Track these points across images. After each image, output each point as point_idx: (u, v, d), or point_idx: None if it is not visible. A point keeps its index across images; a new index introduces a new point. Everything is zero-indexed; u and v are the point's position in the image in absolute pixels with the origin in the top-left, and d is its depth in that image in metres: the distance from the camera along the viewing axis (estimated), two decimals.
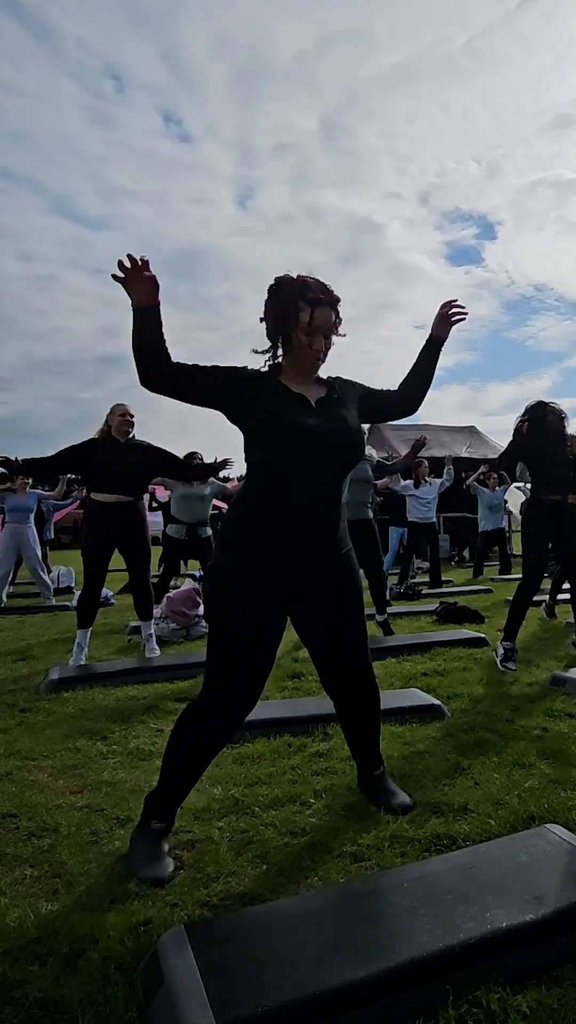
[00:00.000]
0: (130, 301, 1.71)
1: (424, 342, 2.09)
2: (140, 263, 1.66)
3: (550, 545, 3.96)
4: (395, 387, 2.09)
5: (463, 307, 2.04)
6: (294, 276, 1.83)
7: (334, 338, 1.85)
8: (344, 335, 1.87)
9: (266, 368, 1.86)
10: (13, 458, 4.00)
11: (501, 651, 3.79)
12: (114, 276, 1.68)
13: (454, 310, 2.04)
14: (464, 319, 2.06)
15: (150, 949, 1.29)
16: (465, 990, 1.17)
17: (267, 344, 1.85)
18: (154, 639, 4.26)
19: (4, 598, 7.31)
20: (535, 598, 3.96)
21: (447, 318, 2.05)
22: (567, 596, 6.12)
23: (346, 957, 1.18)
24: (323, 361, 1.85)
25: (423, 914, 1.30)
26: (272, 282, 1.84)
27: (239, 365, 1.83)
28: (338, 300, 1.83)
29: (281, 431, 1.71)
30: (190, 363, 1.78)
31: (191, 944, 1.22)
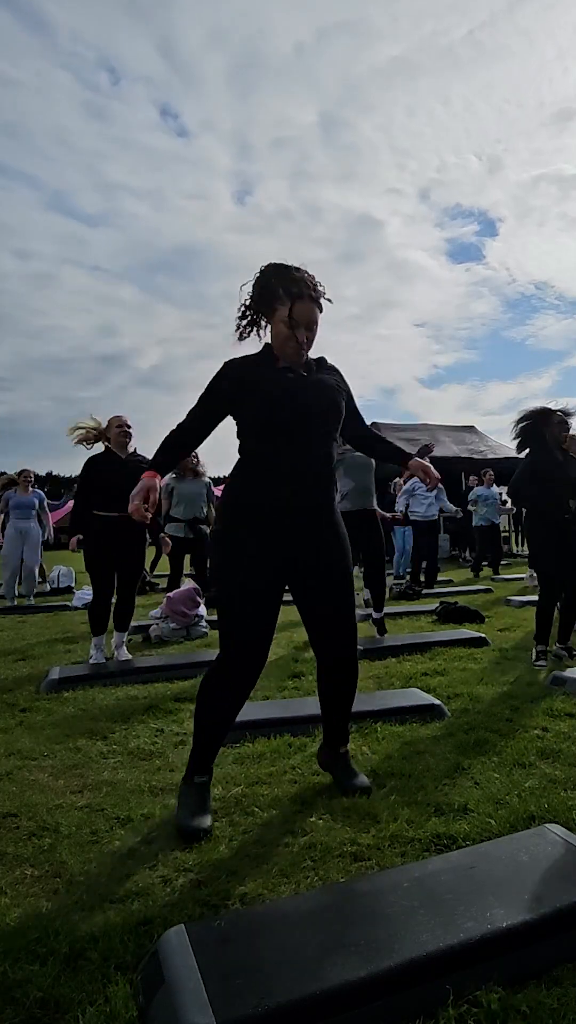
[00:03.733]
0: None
1: (404, 454, 2.23)
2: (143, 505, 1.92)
3: (554, 552, 3.93)
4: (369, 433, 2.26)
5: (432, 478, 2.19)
6: (287, 265, 1.93)
7: (322, 335, 1.98)
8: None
9: (256, 342, 2.02)
10: (74, 540, 4.25)
11: (534, 653, 3.85)
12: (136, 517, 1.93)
13: (428, 475, 2.18)
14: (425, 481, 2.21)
15: (150, 949, 1.29)
16: (465, 990, 1.17)
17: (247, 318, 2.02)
18: (124, 648, 4.24)
19: (18, 591, 7.46)
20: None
21: (420, 470, 2.18)
22: None
23: (346, 957, 1.18)
24: (307, 352, 1.97)
25: (423, 914, 1.30)
26: (264, 266, 1.95)
27: (227, 364, 1.96)
28: (322, 295, 1.95)
29: (279, 405, 1.85)
30: (195, 419, 1.98)
31: (191, 944, 1.22)
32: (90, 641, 4.14)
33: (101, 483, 3.99)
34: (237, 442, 1.99)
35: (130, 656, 4.23)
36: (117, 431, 4.03)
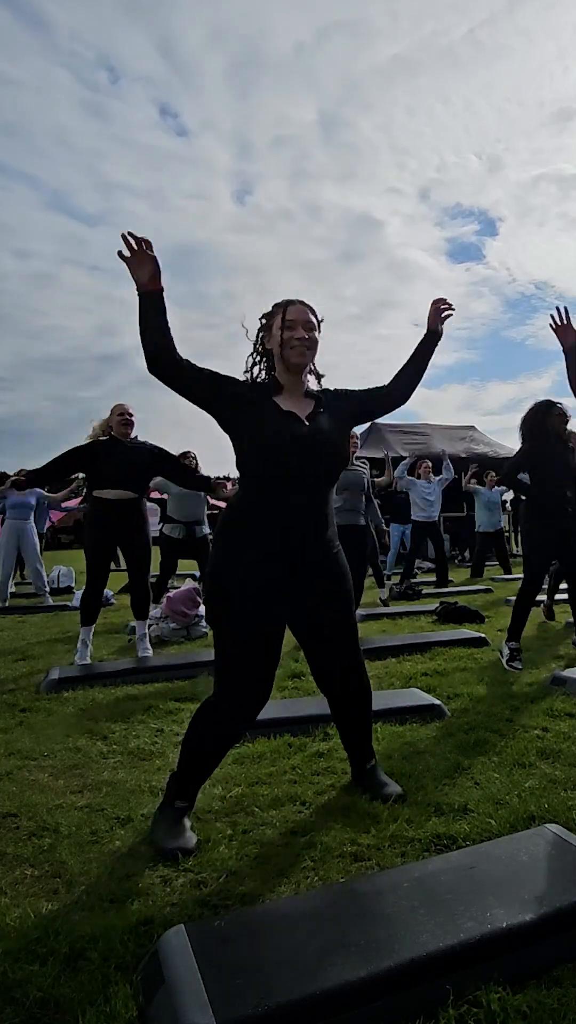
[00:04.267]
0: (135, 286, 1.79)
1: (422, 336, 2.19)
2: (143, 244, 1.75)
3: (552, 547, 3.92)
4: (386, 383, 2.17)
5: (451, 304, 2.19)
6: None
7: (322, 335, 1.95)
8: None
9: (262, 378, 1.95)
10: (16, 474, 4.02)
11: (507, 651, 3.80)
12: (120, 254, 1.76)
13: (444, 307, 2.19)
14: (452, 315, 2.20)
15: (150, 949, 1.29)
16: (465, 990, 1.17)
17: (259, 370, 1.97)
18: (147, 639, 4.26)
19: (8, 596, 7.39)
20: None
21: (439, 312, 2.18)
22: (565, 596, 6.11)
23: (346, 957, 1.18)
24: (311, 353, 1.93)
25: (423, 914, 1.30)
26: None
27: (240, 378, 1.92)
28: (311, 308, 1.94)
29: (276, 449, 1.80)
30: (199, 365, 1.86)
31: (191, 944, 1.22)
32: (79, 632, 4.11)
33: (102, 464, 3.99)
34: (237, 456, 1.92)
35: (150, 651, 4.23)
36: (119, 419, 4.06)
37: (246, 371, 1.96)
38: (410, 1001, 1.15)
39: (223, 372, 1.90)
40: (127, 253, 1.75)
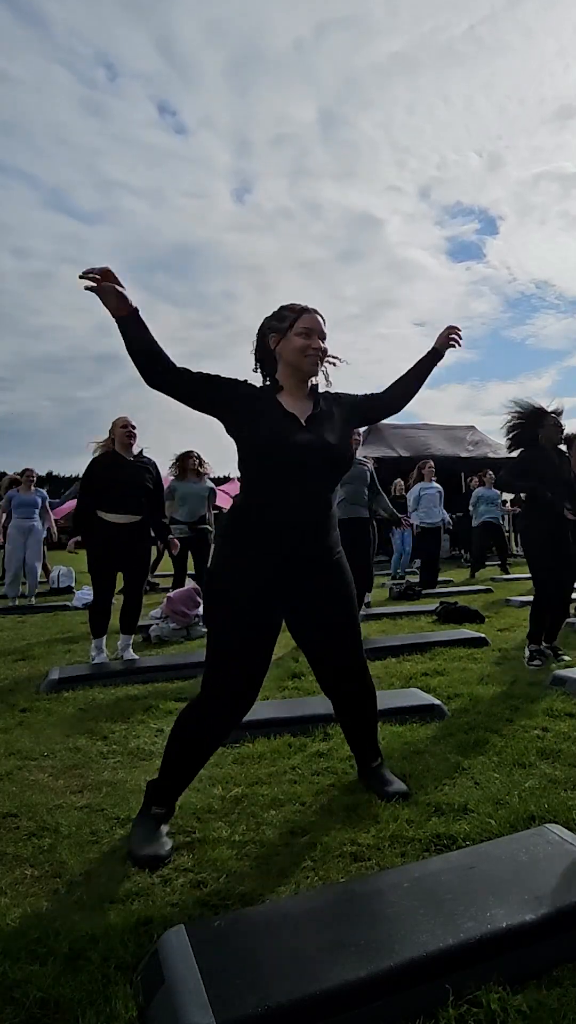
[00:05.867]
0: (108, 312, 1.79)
1: (427, 353, 2.18)
2: (103, 274, 1.74)
3: (552, 547, 3.89)
4: (384, 387, 2.17)
5: (460, 338, 2.19)
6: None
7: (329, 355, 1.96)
8: (335, 362, 2.02)
9: (264, 383, 1.98)
10: (72, 542, 4.37)
11: (527, 652, 3.81)
12: (87, 288, 1.75)
13: (454, 336, 2.18)
14: (456, 347, 2.20)
15: (150, 949, 1.29)
16: (465, 990, 1.17)
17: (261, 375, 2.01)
18: (130, 650, 4.22)
19: (24, 590, 7.52)
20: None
21: (449, 337, 2.17)
22: None
23: (346, 957, 1.18)
24: (322, 363, 1.95)
25: (423, 914, 1.30)
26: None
27: (240, 379, 1.92)
28: (323, 316, 1.95)
29: (274, 451, 1.81)
30: (195, 371, 1.87)
31: (191, 944, 1.22)
32: (91, 643, 4.14)
33: (105, 484, 3.99)
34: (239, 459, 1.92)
35: (136, 656, 4.22)
36: (122, 431, 4.06)
37: (255, 370, 1.99)
38: (410, 1001, 1.15)
39: (223, 373, 1.90)
40: (91, 284, 1.74)
